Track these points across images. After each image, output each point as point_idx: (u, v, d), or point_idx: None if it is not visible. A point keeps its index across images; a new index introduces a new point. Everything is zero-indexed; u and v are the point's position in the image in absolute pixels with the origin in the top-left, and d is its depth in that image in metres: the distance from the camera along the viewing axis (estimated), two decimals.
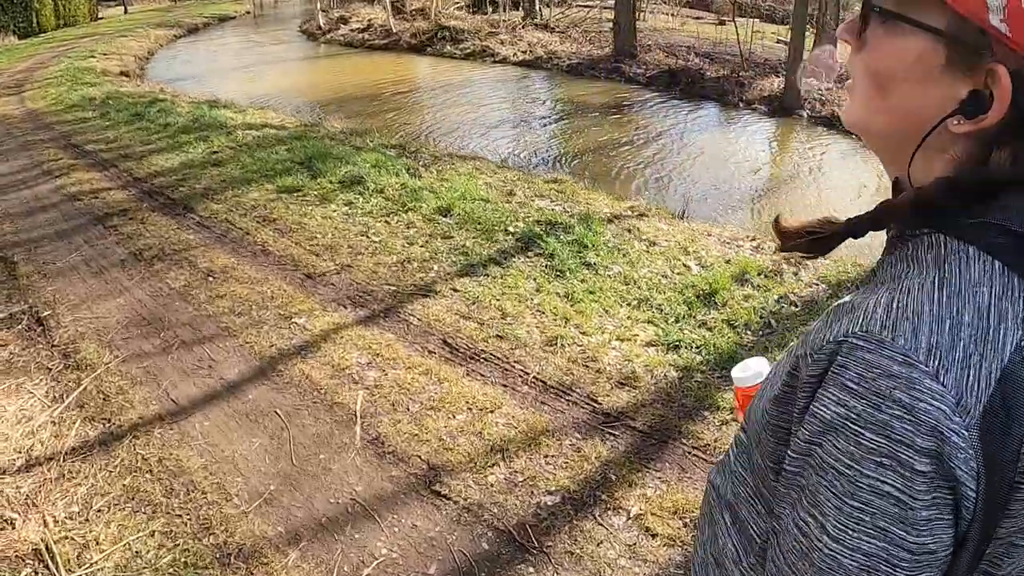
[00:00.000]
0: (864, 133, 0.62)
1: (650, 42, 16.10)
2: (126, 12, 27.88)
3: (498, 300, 3.70)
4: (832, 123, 13.74)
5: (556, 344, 3.25)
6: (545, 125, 10.42)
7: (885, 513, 0.49)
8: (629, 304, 3.63)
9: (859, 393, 0.50)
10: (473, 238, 4.47)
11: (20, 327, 3.62)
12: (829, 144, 11.53)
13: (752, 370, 0.95)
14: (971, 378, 0.49)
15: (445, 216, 4.84)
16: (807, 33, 16.00)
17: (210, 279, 4.02)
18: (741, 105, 13.99)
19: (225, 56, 18.15)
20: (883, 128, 0.60)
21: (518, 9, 22.11)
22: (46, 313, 3.74)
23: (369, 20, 20.37)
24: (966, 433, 0.48)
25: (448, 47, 17.13)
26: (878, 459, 0.49)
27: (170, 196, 5.61)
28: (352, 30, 20.37)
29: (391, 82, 14.23)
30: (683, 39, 17.64)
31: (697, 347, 3.20)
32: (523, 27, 18.10)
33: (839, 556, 0.51)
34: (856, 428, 0.50)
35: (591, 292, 3.73)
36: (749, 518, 0.67)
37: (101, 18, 25.45)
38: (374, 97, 12.46)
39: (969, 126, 0.53)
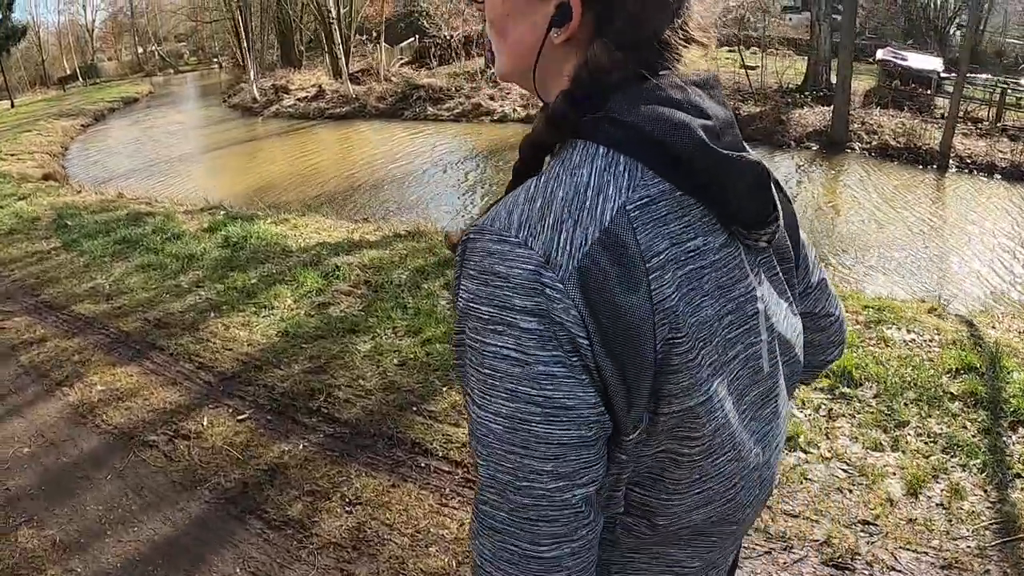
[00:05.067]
0: (509, 78, 0.66)
1: None
2: (13, 106, 23.94)
3: None
4: (886, 152, 12.75)
5: None
6: None
7: (509, 375, 0.52)
8: None
9: (473, 276, 0.54)
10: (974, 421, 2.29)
11: None
12: (916, 179, 10.48)
13: None
14: (562, 241, 0.52)
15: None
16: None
17: None
18: (792, 144, 12.68)
19: (156, 144, 15.13)
20: (514, 65, 0.63)
21: (461, 59, 20.38)
22: None
23: (320, 86, 17.93)
24: (560, 286, 0.51)
25: (430, 109, 15.02)
26: (494, 327, 0.52)
27: (359, 427, 3.04)
28: (300, 100, 17.88)
29: (399, 158, 11.88)
30: None
31: None
32: None
33: (487, 423, 0.54)
34: (475, 306, 0.53)
35: None
36: None
37: None
38: (400, 180, 10.08)
39: (565, 34, 0.58)
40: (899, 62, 16.34)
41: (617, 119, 0.56)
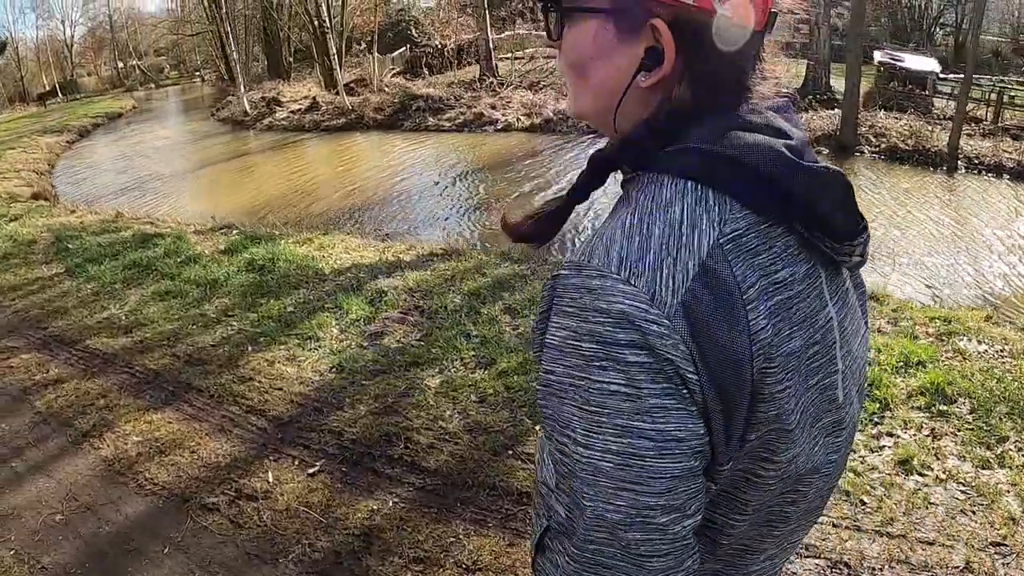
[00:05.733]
0: (586, 117, 0.65)
1: None
2: None
3: None
4: (895, 155, 12.63)
5: None
6: None
7: (620, 411, 0.51)
8: None
9: (571, 312, 0.53)
10: None
11: None
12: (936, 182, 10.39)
13: None
14: (664, 277, 0.52)
15: None
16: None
17: None
18: None
19: (146, 160, 14.62)
20: (595, 106, 0.63)
21: (453, 68, 20.10)
22: None
23: (314, 98, 17.49)
24: (667, 321, 0.51)
25: (430, 119, 14.65)
26: (599, 364, 0.52)
27: (451, 476, 2.65)
28: (293, 112, 17.42)
29: (404, 170, 11.52)
30: None
31: None
32: (505, 87, 15.97)
33: (595, 461, 0.52)
34: (575, 343, 0.53)
35: None
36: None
37: None
38: (408, 193, 9.72)
39: (654, 78, 0.58)
40: (897, 63, 16.35)
41: (701, 149, 0.56)
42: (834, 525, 2.22)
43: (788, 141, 0.58)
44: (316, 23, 18.43)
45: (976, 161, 11.89)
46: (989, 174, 11.60)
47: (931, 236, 8.77)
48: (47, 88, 32.33)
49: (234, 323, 4.23)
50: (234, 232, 6.56)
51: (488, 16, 17.60)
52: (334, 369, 3.52)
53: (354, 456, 2.79)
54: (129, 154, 15.43)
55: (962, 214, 9.77)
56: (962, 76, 16.95)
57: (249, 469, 2.78)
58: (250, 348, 3.87)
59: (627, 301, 0.51)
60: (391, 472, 2.66)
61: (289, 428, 3.05)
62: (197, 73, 39.05)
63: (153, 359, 3.91)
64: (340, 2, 19.58)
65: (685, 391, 0.52)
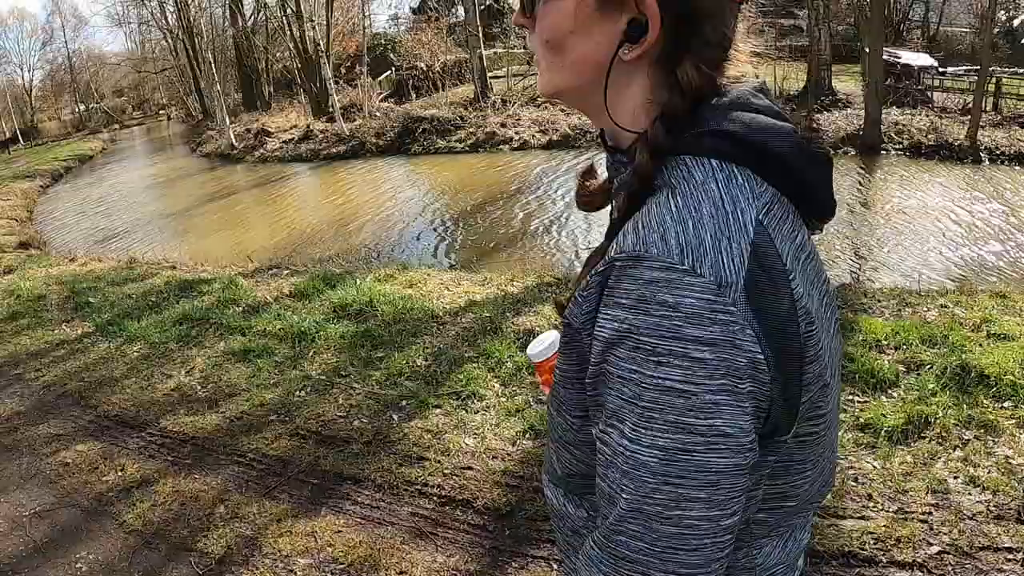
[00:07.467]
0: (559, 95, 0.64)
1: None
2: None
3: None
4: (919, 151, 12.34)
5: None
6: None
7: (672, 407, 0.50)
8: None
9: (628, 305, 0.51)
10: None
11: None
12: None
13: (546, 343, 0.92)
14: (726, 260, 0.51)
15: None
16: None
17: None
18: (831, 151, 12.08)
19: (132, 201, 13.55)
20: (571, 83, 0.61)
21: (441, 89, 19.45)
22: None
23: (307, 126, 16.56)
24: (735, 308, 0.50)
25: (440, 141, 13.86)
26: (656, 359, 0.50)
27: None
28: (286, 142, 16.45)
29: (432, 192, 10.69)
30: None
31: None
32: (509, 104, 15.31)
33: (639, 455, 0.51)
34: (632, 336, 0.51)
35: None
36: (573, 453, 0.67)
37: None
38: (455, 219, 8.91)
39: (638, 50, 0.56)
40: (898, 60, 16.27)
41: (719, 131, 0.55)
42: None
43: (790, 124, 0.58)
44: (302, 47, 17.62)
45: (997, 152, 11.77)
46: (1012, 163, 11.48)
47: (988, 228, 8.36)
48: (7, 134, 30.85)
49: (356, 385, 3.36)
50: (285, 271, 5.68)
51: (482, 34, 17.02)
52: (527, 435, 2.68)
53: None
54: (112, 196, 14.30)
55: (1006, 205, 9.42)
56: (959, 70, 17.04)
57: None
58: (395, 417, 3.01)
59: (695, 294, 0.49)
60: None
61: (515, 520, 2.21)
62: (162, 112, 37.80)
63: (266, 442, 3.01)
64: (325, 26, 18.82)
65: (743, 384, 0.50)
